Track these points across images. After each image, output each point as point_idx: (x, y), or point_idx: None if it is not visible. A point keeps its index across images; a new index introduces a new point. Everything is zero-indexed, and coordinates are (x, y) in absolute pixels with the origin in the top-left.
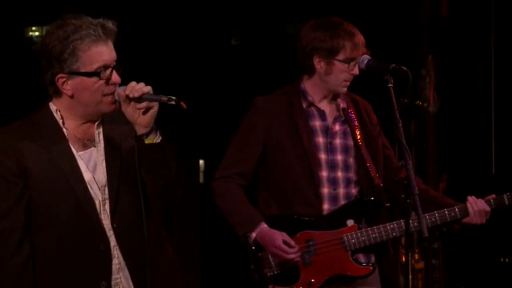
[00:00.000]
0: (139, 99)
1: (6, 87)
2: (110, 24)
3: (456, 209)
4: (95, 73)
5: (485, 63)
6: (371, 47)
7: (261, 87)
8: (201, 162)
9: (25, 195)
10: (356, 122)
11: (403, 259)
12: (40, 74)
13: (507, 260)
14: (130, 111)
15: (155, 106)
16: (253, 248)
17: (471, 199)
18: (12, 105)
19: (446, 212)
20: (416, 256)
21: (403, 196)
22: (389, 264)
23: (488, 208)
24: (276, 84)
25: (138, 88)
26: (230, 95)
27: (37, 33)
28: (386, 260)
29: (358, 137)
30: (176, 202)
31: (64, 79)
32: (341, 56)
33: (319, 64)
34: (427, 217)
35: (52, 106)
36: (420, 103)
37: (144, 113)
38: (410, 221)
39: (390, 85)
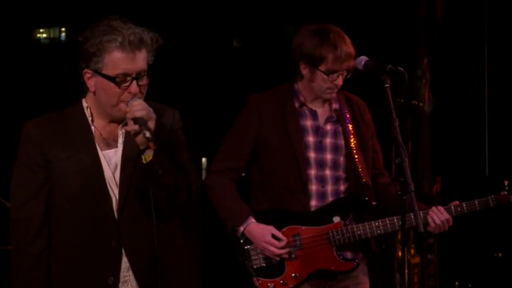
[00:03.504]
0: (134, 120)
1: (14, 88)
2: (143, 34)
3: (411, 215)
4: (114, 80)
5: (479, 63)
6: (368, 48)
7: (261, 87)
8: (204, 160)
9: (46, 186)
10: (350, 122)
11: (399, 254)
12: (47, 75)
13: (500, 255)
14: (127, 127)
15: (144, 132)
16: (241, 241)
17: (434, 209)
18: (19, 106)
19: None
20: (412, 251)
21: (399, 193)
22: (385, 259)
23: (448, 216)
24: (276, 84)
25: (133, 110)
26: (232, 96)
27: (44, 35)
28: (371, 256)
29: (350, 136)
30: (182, 208)
31: (89, 75)
32: (322, 67)
33: (304, 70)
34: (395, 220)
35: (84, 103)
36: (416, 102)
37: (135, 134)
38: (395, 219)
39: (386, 85)
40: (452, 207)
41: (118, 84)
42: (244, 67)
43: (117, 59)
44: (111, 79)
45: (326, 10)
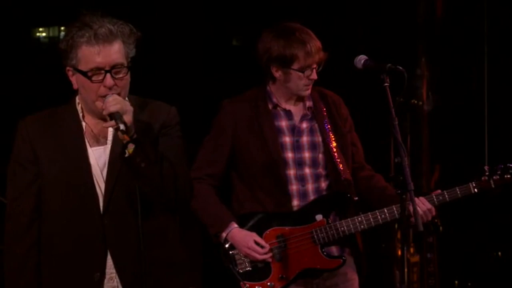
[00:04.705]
0: (110, 116)
1: (13, 87)
2: (112, 26)
3: (394, 208)
4: (86, 74)
5: (478, 63)
6: (367, 47)
7: None
8: None
9: (36, 182)
10: (326, 118)
11: (399, 253)
12: (47, 74)
13: (500, 254)
14: (106, 124)
15: (119, 125)
16: (226, 246)
17: (416, 199)
18: (19, 105)
19: (386, 211)
20: (412, 250)
21: (399, 192)
22: (384, 257)
23: (430, 206)
24: None
25: (107, 106)
26: (231, 95)
27: (44, 34)
28: (358, 253)
29: (328, 133)
30: (172, 204)
31: (71, 73)
32: (295, 66)
33: (277, 73)
34: (378, 214)
35: (77, 100)
36: (415, 101)
37: (116, 130)
38: (377, 213)
39: (386, 84)
40: (434, 197)
41: (90, 78)
42: (244, 66)
43: (87, 54)
44: (84, 74)
45: (326, 9)
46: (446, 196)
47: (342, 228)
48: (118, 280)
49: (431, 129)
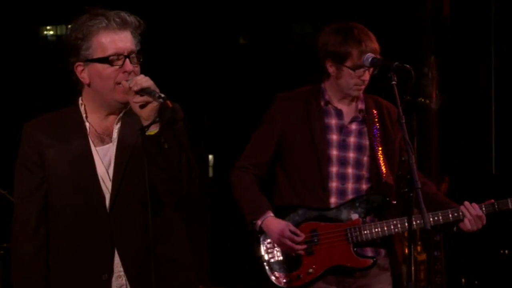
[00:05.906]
0: (141, 93)
1: (21, 86)
2: (126, 15)
3: (449, 212)
4: (106, 59)
5: (485, 62)
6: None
7: (267, 85)
8: (210, 157)
9: (43, 184)
10: (377, 123)
11: (406, 251)
12: (54, 73)
13: (506, 252)
14: (133, 103)
15: (154, 101)
16: (259, 235)
17: (466, 204)
18: (26, 103)
19: (448, 213)
20: (419, 248)
21: (406, 190)
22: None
23: (481, 213)
24: (281, 82)
25: (139, 82)
26: (238, 93)
27: (51, 32)
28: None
29: (376, 137)
30: (184, 196)
31: (82, 68)
32: (349, 63)
33: (331, 68)
34: (413, 219)
35: (80, 101)
36: (423, 100)
37: (142, 106)
38: (414, 218)
39: (393, 82)
40: (483, 206)
41: (111, 62)
42: (251, 64)
43: (105, 40)
44: (104, 59)
45: (332, 8)
46: (483, 209)
47: (376, 229)
48: (126, 278)
49: (439, 127)
